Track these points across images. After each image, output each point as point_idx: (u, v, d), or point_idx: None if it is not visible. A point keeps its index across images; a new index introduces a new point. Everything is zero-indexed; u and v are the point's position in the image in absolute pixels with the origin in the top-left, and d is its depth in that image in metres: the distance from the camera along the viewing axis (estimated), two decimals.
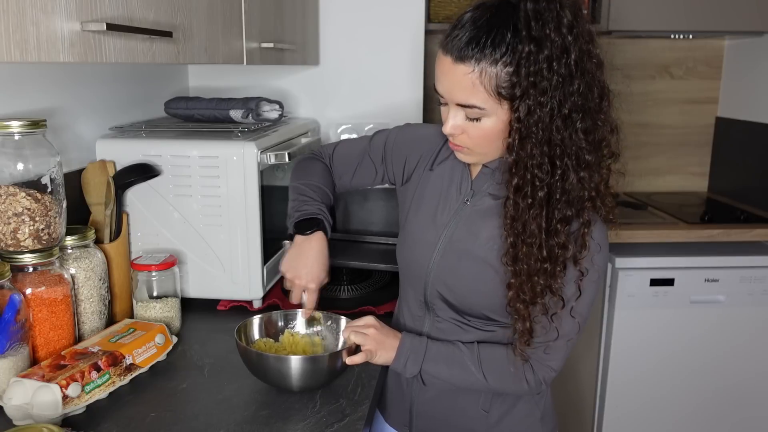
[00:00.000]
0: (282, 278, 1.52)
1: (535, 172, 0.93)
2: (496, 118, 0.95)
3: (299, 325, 1.20)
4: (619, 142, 0.99)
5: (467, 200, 1.09)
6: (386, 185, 1.25)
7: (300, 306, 1.17)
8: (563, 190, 0.95)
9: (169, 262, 1.27)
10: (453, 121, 0.98)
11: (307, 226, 1.16)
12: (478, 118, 0.96)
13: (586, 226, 0.97)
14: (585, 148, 0.94)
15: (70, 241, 1.16)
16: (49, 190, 1.07)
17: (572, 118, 0.92)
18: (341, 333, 1.15)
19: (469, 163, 1.07)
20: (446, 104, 0.99)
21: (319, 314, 1.19)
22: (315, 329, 1.20)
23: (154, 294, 1.28)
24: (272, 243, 1.47)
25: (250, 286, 1.39)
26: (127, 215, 1.37)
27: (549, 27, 0.89)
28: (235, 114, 1.55)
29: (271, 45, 1.43)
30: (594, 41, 0.94)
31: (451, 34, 0.94)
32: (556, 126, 0.92)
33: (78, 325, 1.17)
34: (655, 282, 2.08)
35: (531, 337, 1.00)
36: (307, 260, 1.13)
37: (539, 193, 0.94)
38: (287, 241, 1.17)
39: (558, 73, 0.90)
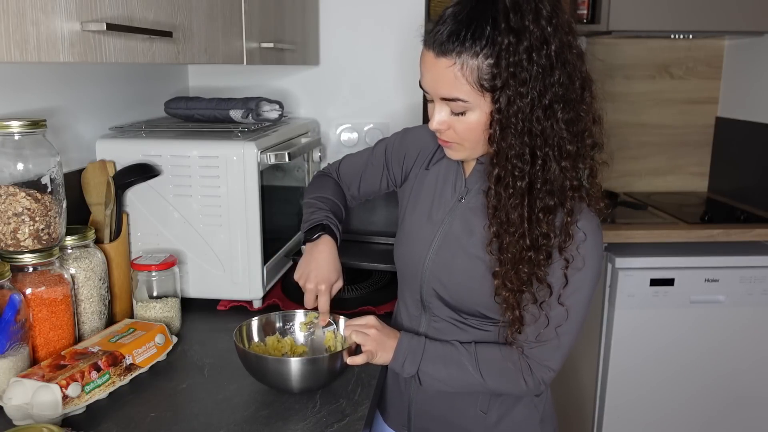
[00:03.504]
0: (282, 278, 1.54)
1: (515, 162, 0.94)
2: (480, 111, 0.95)
3: (297, 326, 1.20)
4: (603, 133, 1.00)
5: (461, 198, 1.10)
6: (392, 190, 1.27)
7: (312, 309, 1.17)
8: (545, 180, 0.95)
9: (169, 262, 1.27)
10: (438, 116, 0.99)
11: (314, 232, 1.17)
12: (462, 112, 0.96)
13: (569, 215, 0.98)
14: (566, 138, 0.94)
15: (70, 241, 1.16)
16: (49, 190, 1.07)
17: (553, 109, 0.93)
18: (342, 332, 1.15)
19: (459, 159, 1.08)
20: (433, 101, 1.00)
21: (312, 315, 1.18)
22: (310, 330, 1.19)
23: (154, 294, 1.28)
24: (272, 243, 1.47)
25: (250, 286, 1.39)
26: (127, 215, 1.37)
27: (528, 18, 0.90)
28: (235, 114, 1.55)
29: (271, 45, 1.43)
30: (574, 32, 0.95)
31: (434, 29, 0.95)
32: (537, 117, 0.92)
33: (78, 325, 1.17)
34: (655, 282, 2.08)
35: (522, 324, 1.01)
36: (316, 264, 1.14)
37: (519, 183, 0.95)
38: (304, 246, 1.18)
39: (538, 63, 0.90)
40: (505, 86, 0.91)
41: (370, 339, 1.07)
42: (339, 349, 1.15)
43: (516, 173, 0.94)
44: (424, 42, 0.97)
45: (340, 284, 1.16)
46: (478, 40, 0.91)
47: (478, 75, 0.92)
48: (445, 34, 0.93)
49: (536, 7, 0.91)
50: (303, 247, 1.19)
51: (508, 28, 0.90)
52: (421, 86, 1.00)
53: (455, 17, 0.93)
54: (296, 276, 1.16)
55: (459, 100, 0.95)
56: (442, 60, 0.93)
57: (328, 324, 1.17)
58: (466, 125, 0.97)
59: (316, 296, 1.14)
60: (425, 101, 1.06)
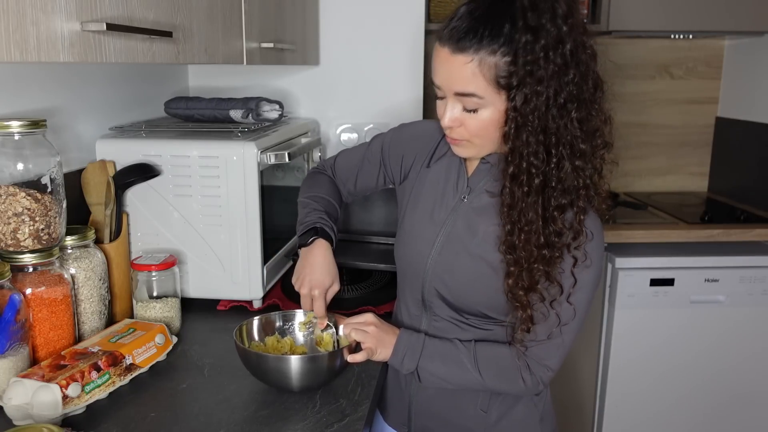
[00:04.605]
0: (282, 278, 1.54)
1: (531, 159, 0.94)
2: (493, 108, 0.95)
3: (296, 326, 1.20)
4: (612, 133, 1.00)
5: (464, 197, 1.09)
6: (389, 186, 1.26)
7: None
8: (558, 178, 0.96)
9: (169, 262, 1.27)
10: (450, 113, 0.99)
11: (307, 237, 1.16)
12: (475, 109, 0.96)
13: (581, 212, 0.98)
14: (580, 137, 0.95)
15: (70, 241, 1.16)
16: (49, 190, 1.07)
17: (567, 108, 0.93)
18: (341, 330, 1.15)
19: (466, 157, 1.08)
20: (443, 98, 1.00)
21: (310, 315, 1.17)
22: (309, 330, 1.19)
23: (154, 294, 1.28)
24: (272, 243, 1.47)
25: (250, 286, 1.39)
26: (127, 215, 1.37)
27: (545, 17, 0.90)
28: (235, 114, 1.55)
29: (271, 45, 1.43)
30: (587, 33, 0.96)
31: (449, 25, 0.95)
32: (552, 115, 0.93)
33: (78, 325, 1.17)
34: (655, 282, 2.08)
35: (532, 323, 1.01)
36: (311, 268, 1.14)
37: (535, 180, 0.95)
38: (299, 250, 1.18)
39: (554, 62, 0.91)
40: (521, 84, 0.91)
41: (369, 336, 1.07)
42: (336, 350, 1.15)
43: (532, 171, 0.95)
44: (438, 38, 0.97)
45: (336, 288, 1.15)
46: (496, 37, 0.91)
47: (496, 72, 0.92)
48: (462, 30, 0.93)
49: (553, 6, 0.91)
50: (299, 250, 1.18)
51: (526, 26, 0.90)
52: (433, 82, 1.00)
53: (472, 14, 0.93)
54: (293, 280, 1.16)
55: (474, 95, 0.95)
56: (459, 56, 0.93)
57: (327, 327, 1.17)
58: (478, 122, 0.97)
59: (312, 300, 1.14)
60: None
